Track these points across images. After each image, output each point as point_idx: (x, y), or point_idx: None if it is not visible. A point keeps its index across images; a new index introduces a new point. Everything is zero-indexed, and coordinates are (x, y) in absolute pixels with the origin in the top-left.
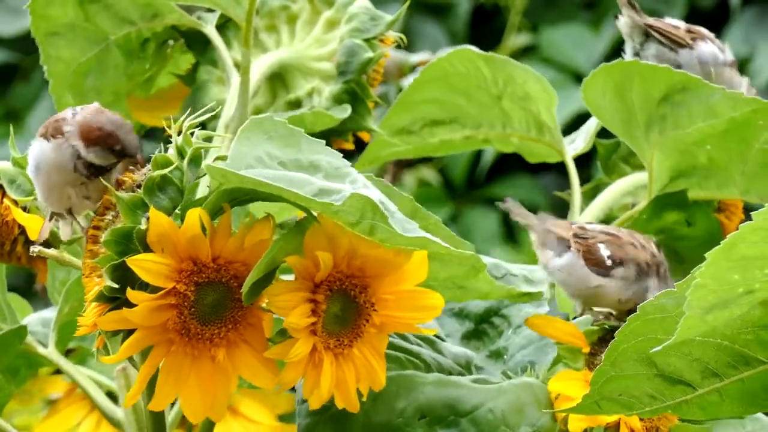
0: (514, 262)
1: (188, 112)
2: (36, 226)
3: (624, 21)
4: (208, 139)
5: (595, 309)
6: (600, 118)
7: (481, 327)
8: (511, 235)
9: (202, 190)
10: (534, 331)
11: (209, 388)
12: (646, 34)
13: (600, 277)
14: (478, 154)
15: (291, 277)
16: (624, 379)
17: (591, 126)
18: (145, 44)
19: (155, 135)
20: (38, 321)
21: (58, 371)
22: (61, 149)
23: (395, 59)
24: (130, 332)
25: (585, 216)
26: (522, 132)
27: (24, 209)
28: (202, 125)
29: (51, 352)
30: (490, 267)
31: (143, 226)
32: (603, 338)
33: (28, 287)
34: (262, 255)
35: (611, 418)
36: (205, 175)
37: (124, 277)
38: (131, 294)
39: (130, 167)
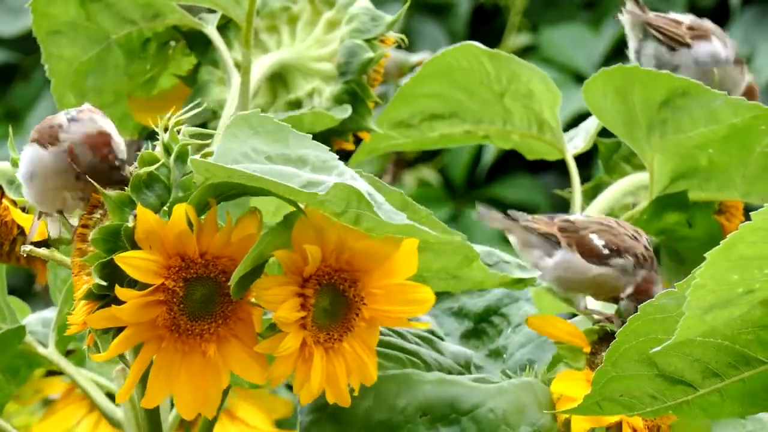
0: None
1: (173, 110)
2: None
3: (626, 16)
4: (197, 137)
5: (595, 310)
6: (602, 119)
7: (481, 326)
8: None
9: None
10: (534, 330)
11: (201, 383)
12: (646, 30)
13: (598, 266)
14: (478, 155)
15: None
16: (625, 379)
17: (591, 125)
18: (146, 44)
19: (157, 136)
20: (38, 321)
21: (54, 372)
22: (59, 155)
23: (395, 59)
24: (120, 330)
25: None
26: (523, 129)
27: (23, 209)
28: (203, 126)
29: (51, 352)
30: (482, 255)
31: (130, 224)
32: (603, 338)
33: (28, 288)
34: (250, 249)
35: (614, 419)
36: (191, 172)
37: (113, 274)
38: (120, 291)
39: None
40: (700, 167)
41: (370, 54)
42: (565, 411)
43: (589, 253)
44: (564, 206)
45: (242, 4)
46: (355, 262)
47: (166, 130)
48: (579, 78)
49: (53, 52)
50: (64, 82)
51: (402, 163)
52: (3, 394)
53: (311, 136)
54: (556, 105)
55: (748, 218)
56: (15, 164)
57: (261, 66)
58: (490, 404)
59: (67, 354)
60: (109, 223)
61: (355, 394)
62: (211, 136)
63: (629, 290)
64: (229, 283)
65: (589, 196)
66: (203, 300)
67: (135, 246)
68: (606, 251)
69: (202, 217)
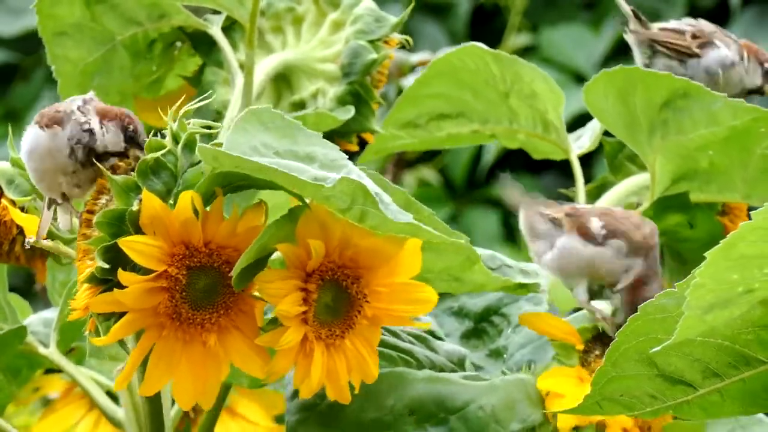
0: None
1: (182, 100)
2: (34, 227)
3: (631, 35)
4: (206, 129)
5: (595, 308)
6: (602, 121)
7: (481, 326)
8: (512, 235)
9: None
10: (527, 327)
11: (200, 373)
12: (653, 48)
13: (594, 246)
14: (478, 155)
15: None
16: (625, 379)
17: (597, 125)
18: (151, 45)
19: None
20: (39, 321)
21: (53, 370)
22: (57, 137)
23: (395, 59)
24: (122, 316)
25: None
26: (528, 129)
27: (22, 209)
28: (208, 127)
29: (52, 352)
30: (485, 259)
31: (135, 208)
32: (597, 336)
33: (28, 288)
34: (253, 241)
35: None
36: (200, 162)
37: (116, 259)
38: (122, 275)
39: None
40: (700, 169)
41: (374, 55)
42: (565, 411)
43: (587, 235)
44: None
45: (246, 5)
46: (359, 259)
47: (174, 120)
48: (579, 78)
49: (59, 54)
50: (70, 83)
51: (402, 163)
52: (4, 394)
53: (320, 134)
54: (559, 105)
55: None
56: (15, 164)
57: (265, 67)
58: (479, 402)
59: (67, 352)
60: (114, 207)
61: (356, 391)
62: (218, 129)
63: (623, 283)
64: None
65: (593, 195)
66: (206, 289)
67: (139, 231)
68: (603, 231)
69: (208, 207)
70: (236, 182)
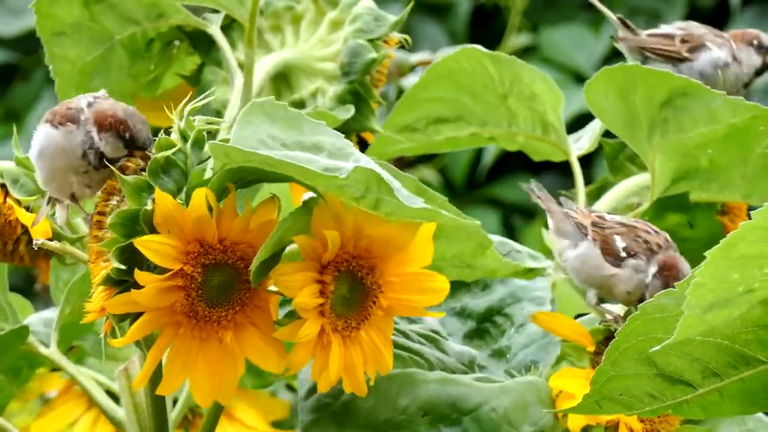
0: None
1: (188, 98)
2: (38, 227)
3: (621, 44)
4: (211, 124)
5: (605, 308)
6: (603, 119)
7: (483, 326)
8: (511, 235)
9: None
10: (540, 327)
11: (217, 370)
12: (644, 54)
13: (612, 267)
14: (478, 155)
15: None
16: (624, 378)
17: (596, 126)
18: (150, 44)
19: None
20: (40, 321)
21: (55, 369)
22: (70, 136)
23: (395, 59)
24: (136, 317)
25: None
26: (527, 131)
27: (27, 209)
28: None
29: (53, 352)
30: (495, 244)
31: (149, 207)
32: (608, 338)
33: (29, 288)
34: (269, 235)
35: (611, 416)
36: (209, 158)
37: (131, 259)
38: (139, 275)
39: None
40: (701, 168)
41: (374, 54)
42: (565, 410)
43: (609, 252)
44: None
45: (245, 4)
46: (373, 249)
47: (181, 117)
48: (579, 78)
49: (57, 53)
50: (68, 82)
51: (402, 163)
52: (4, 394)
53: (325, 123)
54: (558, 106)
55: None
56: (19, 163)
57: (264, 66)
58: (492, 403)
59: (67, 351)
60: (127, 207)
61: (371, 383)
62: (222, 124)
63: (654, 268)
64: (247, 270)
65: (594, 196)
66: (221, 286)
67: (153, 230)
68: (623, 254)
69: (220, 203)
70: (247, 177)
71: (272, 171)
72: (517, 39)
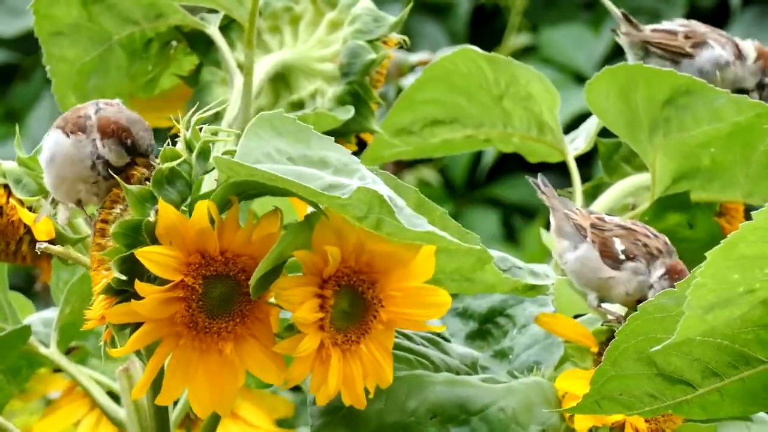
0: None
1: (195, 108)
2: (41, 227)
3: (623, 38)
4: (216, 135)
5: (607, 308)
6: (603, 120)
7: (486, 327)
8: (511, 235)
9: (209, 185)
10: (543, 328)
11: (217, 382)
12: (646, 48)
13: (611, 270)
14: (478, 155)
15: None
16: (624, 378)
17: (591, 126)
18: (148, 44)
19: (158, 137)
20: (40, 321)
21: (57, 370)
22: (80, 145)
23: (395, 59)
24: (137, 326)
25: None
26: (523, 131)
27: (30, 209)
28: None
29: (52, 352)
30: (496, 260)
31: (152, 219)
32: (611, 338)
33: (29, 287)
34: (270, 249)
35: (617, 418)
36: (213, 169)
37: (132, 269)
38: (139, 286)
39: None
40: (702, 167)
41: (373, 55)
42: (566, 410)
43: (608, 255)
44: None
45: (245, 5)
46: (374, 264)
47: (187, 127)
48: (579, 78)
49: (55, 53)
50: (65, 82)
51: (402, 163)
52: (4, 393)
53: (333, 138)
54: (555, 106)
55: (749, 220)
56: (22, 164)
57: (263, 66)
58: (500, 404)
59: (68, 352)
60: (130, 217)
61: (371, 396)
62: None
63: (660, 271)
64: (248, 282)
65: (590, 195)
66: (222, 298)
67: (155, 241)
68: (622, 257)
69: (223, 215)
70: (251, 190)
71: (276, 186)
72: (517, 39)
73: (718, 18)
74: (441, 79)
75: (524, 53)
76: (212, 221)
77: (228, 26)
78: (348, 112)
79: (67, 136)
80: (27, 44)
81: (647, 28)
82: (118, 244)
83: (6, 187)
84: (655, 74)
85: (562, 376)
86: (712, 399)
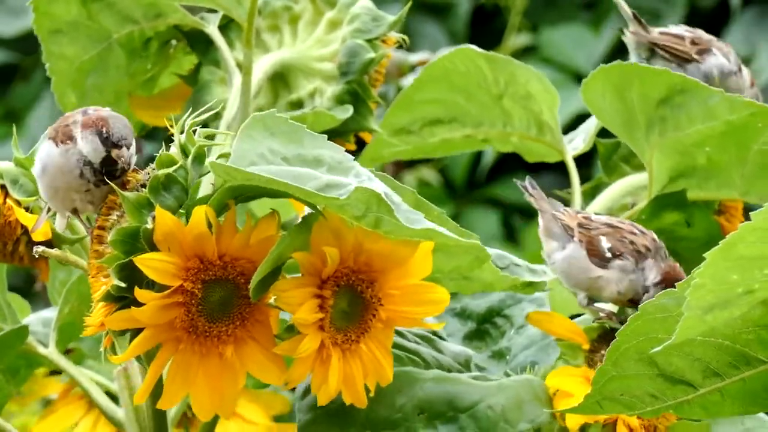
0: None
1: (190, 110)
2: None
3: (630, 37)
4: (211, 138)
5: (597, 307)
6: (600, 118)
7: (483, 327)
8: (511, 235)
9: (205, 189)
10: (535, 326)
11: (217, 385)
12: (652, 50)
13: (598, 269)
14: (478, 155)
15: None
16: (625, 378)
17: (590, 126)
18: (147, 43)
19: (157, 135)
20: (39, 321)
21: (55, 372)
22: (68, 155)
23: (395, 59)
24: (137, 331)
25: None
26: (522, 131)
27: (27, 209)
28: (204, 125)
29: (51, 352)
30: (494, 258)
31: (149, 225)
32: (603, 336)
33: (28, 288)
34: (268, 251)
35: (609, 415)
36: (208, 173)
37: (131, 276)
38: (139, 293)
39: (135, 167)
40: (698, 166)
41: (372, 54)
42: (566, 410)
43: (594, 254)
44: (564, 205)
45: (244, 4)
46: (373, 263)
47: (182, 131)
48: (579, 78)
49: (54, 51)
50: (64, 80)
51: (402, 163)
52: (2, 393)
53: (326, 136)
54: (554, 106)
55: (747, 218)
56: (18, 164)
57: (262, 66)
58: (489, 401)
59: (66, 353)
60: (128, 224)
61: (371, 394)
62: (222, 136)
63: (655, 278)
64: (247, 285)
65: (589, 196)
66: (221, 302)
67: (153, 248)
68: (609, 255)
69: (220, 218)
70: (248, 193)
71: (273, 189)
72: (517, 39)
73: (718, 18)
74: (440, 79)
75: (524, 53)
76: (210, 225)
77: (227, 26)
78: (347, 112)
79: (57, 146)
80: (27, 44)
81: (655, 30)
82: (117, 251)
83: (3, 187)
84: (649, 73)
85: (553, 374)
86: (713, 399)
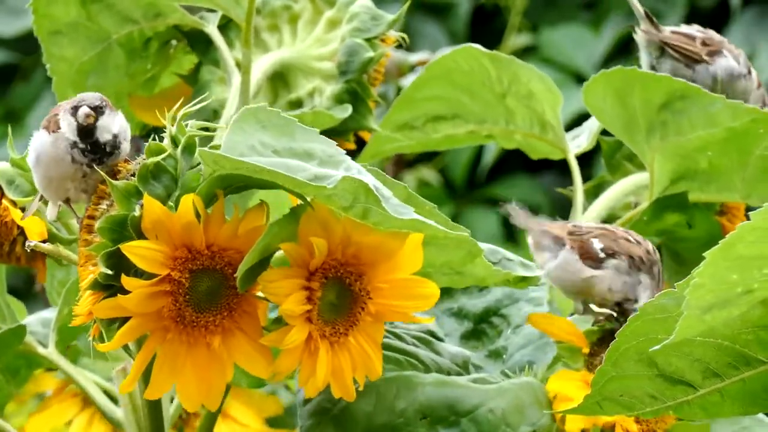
0: None
1: (180, 103)
2: (34, 228)
3: (641, 35)
4: (204, 130)
5: (596, 309)
6: (602, 121)
7: (480, 327)
8: (511, 235)
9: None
10: (535, 328)
11: (205, 375)
12: (662, 49)
13: (592, 269)
14: (478, 155)
15: None
16: (625, 379)
17: (594, 124)
18: (147, 43)
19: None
20: (38, 321)
21: (51, 369)
22: (58, 142)
23: (394, 59)
24: (125, 321)
25: (588, 214)
26: (525, 129)
27: (23, 210)
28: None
29: (51, 352)
30: (486, 253)
31: (137, 213)
32: (603, 339)
33: (28, 288)
34: (256, 242)
35: (608, 418)
36: (199, 165)
37: (119, 264)
38: (126, 280)
39: (126, 159)
40: (700, 169)
41: (371, 53)
42: (566, 411)
43: (587, 256)
44: (565, 205)
45: (242, 4)
46: (361, 256)
47: (173, 122)
48: (579, 78)
49: (54, 52)
50: (65, 81)
51: (402, 163)
52: (3, 394)
53: (318, 130)
54: (557, 105)
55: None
56: (15, 164)
57: (262, 65)
58: (489, 405)
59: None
60: (116, 212)
61: (360, 388)
62: (215, 131)
63: (642, 301)
64: (235, 275)
65: (591, 194)
66: (209, 292)
67: (141, 236)
68: (602, 255)
69: (209, 209)
70: (237, 184)
71: (261, 178)
72: (517, 39)
73: (718, 18)
74: (442, 77)
75: (524, 53)
76: (198, 215)
77: (226, 25)
78: (346, 111)
79: (49, 134)
80: (27, 44)
81: (667, 30)
82: (104, 239)
83: None
84: (650, 79)
85: (553, 378)
86: (712, 399)
